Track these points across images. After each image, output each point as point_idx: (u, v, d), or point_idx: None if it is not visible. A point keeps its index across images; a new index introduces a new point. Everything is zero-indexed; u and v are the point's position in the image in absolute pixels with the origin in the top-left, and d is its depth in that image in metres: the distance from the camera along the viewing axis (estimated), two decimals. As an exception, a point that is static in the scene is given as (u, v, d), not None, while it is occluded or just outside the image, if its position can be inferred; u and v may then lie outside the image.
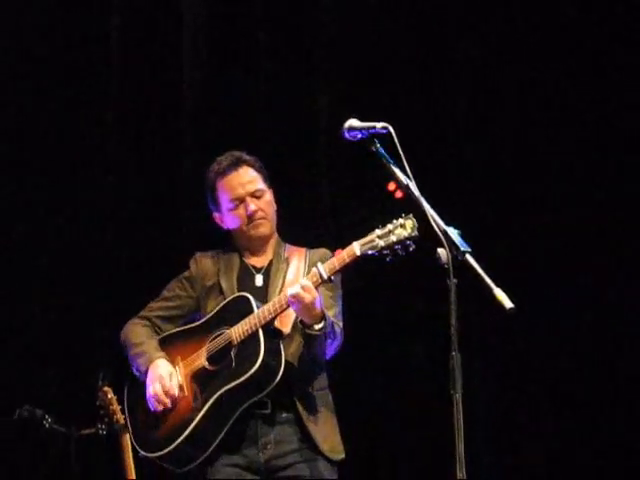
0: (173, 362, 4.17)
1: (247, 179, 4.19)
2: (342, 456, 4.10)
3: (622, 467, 5.51)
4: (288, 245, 4.30)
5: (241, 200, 4.16)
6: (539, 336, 5.65)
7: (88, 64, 5.95)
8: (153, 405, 4.09)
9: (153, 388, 4.08)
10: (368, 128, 3.62)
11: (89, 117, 5.93)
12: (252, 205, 4.15)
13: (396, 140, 3.50)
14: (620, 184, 5.66)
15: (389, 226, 3.76)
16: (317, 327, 3.89)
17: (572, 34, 5.73)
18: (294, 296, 3.84)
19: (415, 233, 3.72)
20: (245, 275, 4.21)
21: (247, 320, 3.97)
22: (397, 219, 3.76)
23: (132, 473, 4.87)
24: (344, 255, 3.85)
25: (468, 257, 3.28)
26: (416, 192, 3.44)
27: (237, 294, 4.10)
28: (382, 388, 5.72)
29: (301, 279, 3.93)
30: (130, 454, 4.87)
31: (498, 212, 5.75)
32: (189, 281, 4.28)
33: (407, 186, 3.46)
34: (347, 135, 3.68)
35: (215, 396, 3.98)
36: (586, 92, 5.72)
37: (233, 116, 5.89)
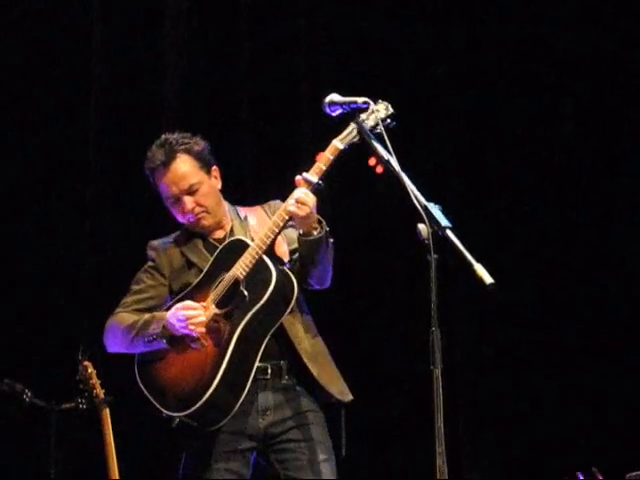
0: None
1: (180, 175, 3.97)
2: (350, 397, 3.99)
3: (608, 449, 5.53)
4: (239, 207, 4.16)
5: (177, 199, 4.01)
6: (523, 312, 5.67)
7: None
8: (195, 333, 3.83)
9: (179, 320, 3.83)
10: (349, 103, 3.62)
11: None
12: (188, 204, 3.99)
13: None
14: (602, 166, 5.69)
15: (362, 115, 3.66)
16: (316, 232, 3.80)
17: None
18: (298, 200, 3.73)
19: (391, 110, 3.64)
20: (212, 248, 4.05)
21: (246, 254, 3.85)
22: (368, 108, 3.67)
23: (112, 448, 4.88)
24: (327, 154, 3.75)
25: (449, 233, 3.27)
26: (397, 167, 3.43)
27: (228, 240, 3.98)
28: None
29: (295, 191, 3.79)
30: (110, 429, 4.88)
31: (479, 187, 5.76)
32: (156, 269, 4.10)
33: (388, 161, 3.45)
34: (328, 110, 3.66)
35: (240, 327, 3.82)
36: (565, 71, 5.74)
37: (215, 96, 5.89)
